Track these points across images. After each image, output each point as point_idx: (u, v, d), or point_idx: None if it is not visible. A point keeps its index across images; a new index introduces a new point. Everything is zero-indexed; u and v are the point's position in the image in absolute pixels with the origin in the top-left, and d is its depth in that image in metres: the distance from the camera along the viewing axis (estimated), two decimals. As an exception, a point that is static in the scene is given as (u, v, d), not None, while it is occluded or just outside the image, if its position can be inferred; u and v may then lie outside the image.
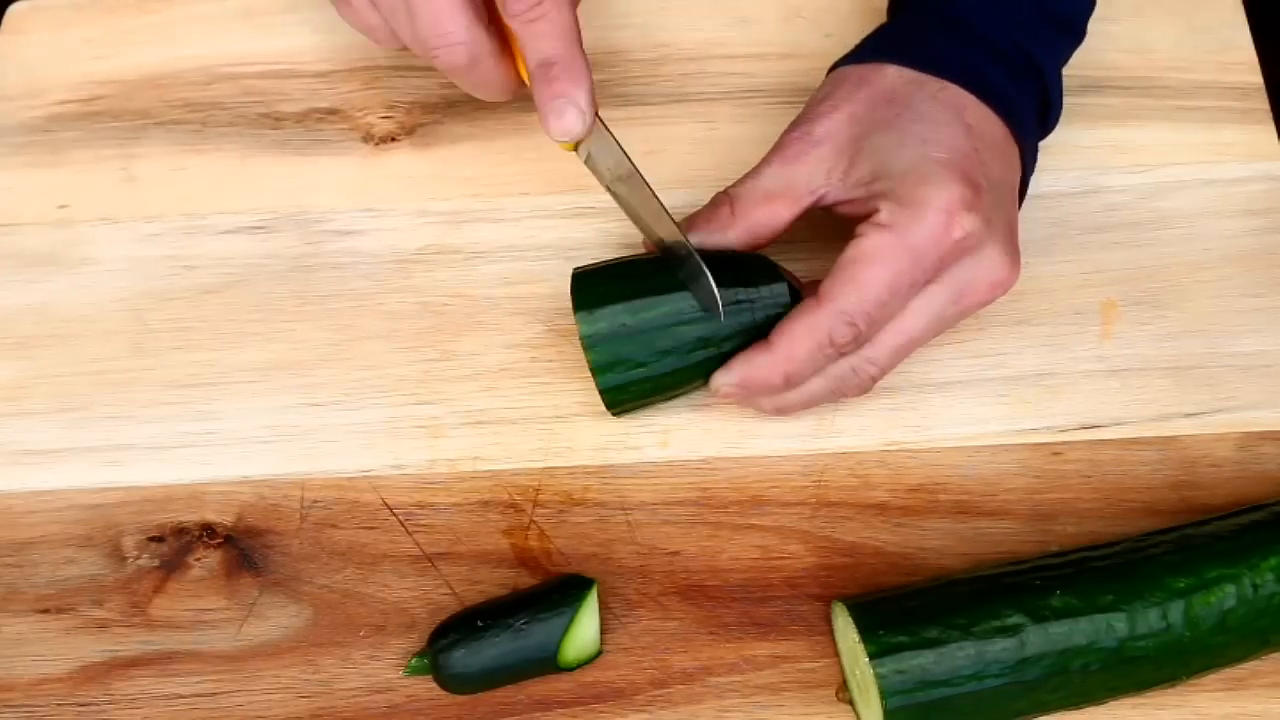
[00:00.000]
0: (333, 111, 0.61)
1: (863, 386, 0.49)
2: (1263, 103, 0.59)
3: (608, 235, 0.57)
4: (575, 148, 0.48)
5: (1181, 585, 0.44)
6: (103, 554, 0.51)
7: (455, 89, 0.60)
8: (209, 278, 0.57)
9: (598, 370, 0.48)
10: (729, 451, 0.52)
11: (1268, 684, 0.47)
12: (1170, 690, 0.46)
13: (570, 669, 0.48)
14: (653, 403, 0.51)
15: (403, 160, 0.60)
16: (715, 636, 0.49)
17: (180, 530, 0.52)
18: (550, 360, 0.54)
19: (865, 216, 0.47)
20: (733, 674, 0.48)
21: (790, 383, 0.48)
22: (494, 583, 0.50)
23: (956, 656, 0.43)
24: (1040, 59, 0.50)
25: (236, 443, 0.53)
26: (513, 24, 0.46)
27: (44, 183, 0.60)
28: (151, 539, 0.52)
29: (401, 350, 0.55)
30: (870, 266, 0.45)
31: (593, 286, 0.48)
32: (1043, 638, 0.43)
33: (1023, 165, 0.50)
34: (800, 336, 0.46)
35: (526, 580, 0.50)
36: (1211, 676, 0.47)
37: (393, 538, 0.51)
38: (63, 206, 0.59)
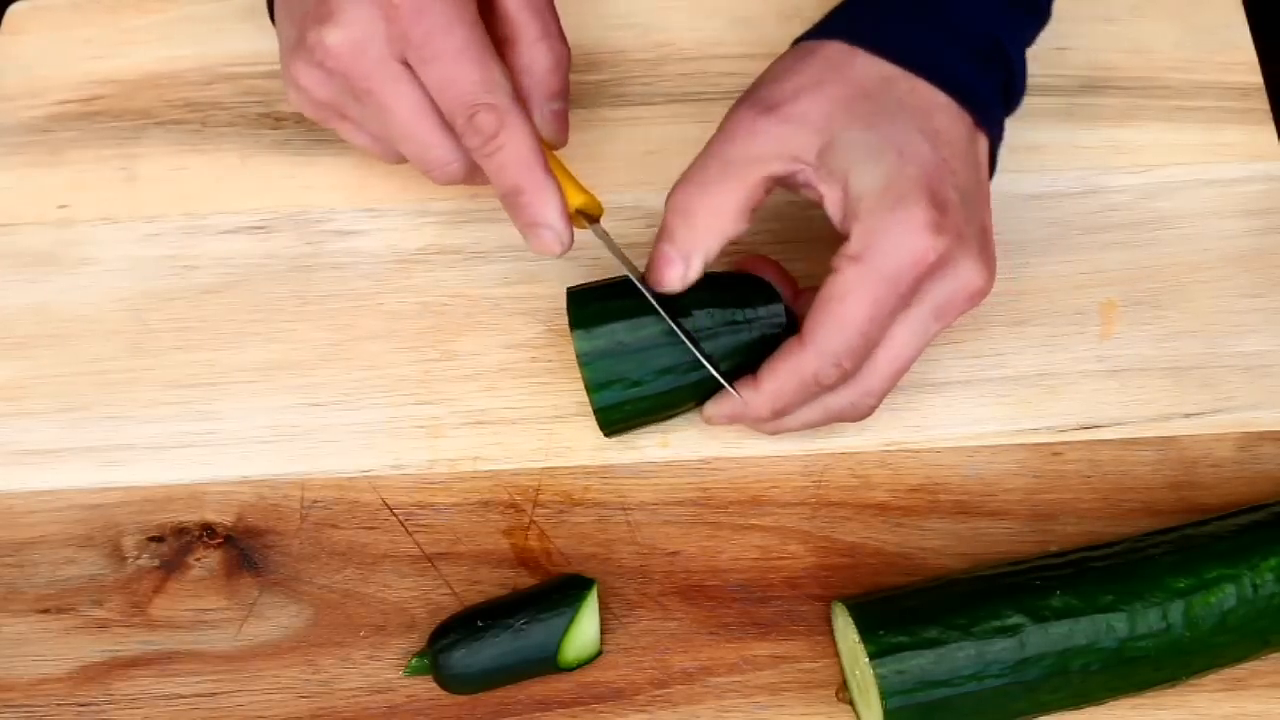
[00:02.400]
0: (333, 111, 0.61)
1: (863, 416, 0.49)
2: (1263, 103, 0.59)
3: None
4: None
5: (1181, 585, 0.44)
6: (103, 554, 0.51)
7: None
8: (209, 278, 0.57)
9: (593, 388, 0.48)
10: (729, 451, 0.52)
11: (1268, 684, 0.47)
12: (1170, 690, 0.46)
13: (570, 669, 0.48)
14: (645, 423, 0.51)
15: (403, 160, 0.60)
16: (715, 636, 0.49)
17: (180, 530, 0.52)
18: (550, 360, 0.54)
19: (835, 222, 0.46)
20: (733, 674, 0.48)
21: (778, 415, 0.48)
22: (494, 583, 0.50)
23: (956, 657, 0.43)
24: (1006, 42, 0.50)
25: (236, 443, 0.53)
26: (474, 158, 0.47)
27: (44, 183, 0.60)
28: (151, 539, 0.52)
29: (401, 350, 0.55)
30: (847, 302, 0.45)
31: (590, 303, 0.48)
32: (1043, 638, 0.43)
33: (991, 148, 0.50)
34: (786, 376, 0.46)
35: (526, 580, 0.50)
36: (1211, 676, 0.47)
37: (393, 538, 0.51)
38: (63, 206, 0.59)
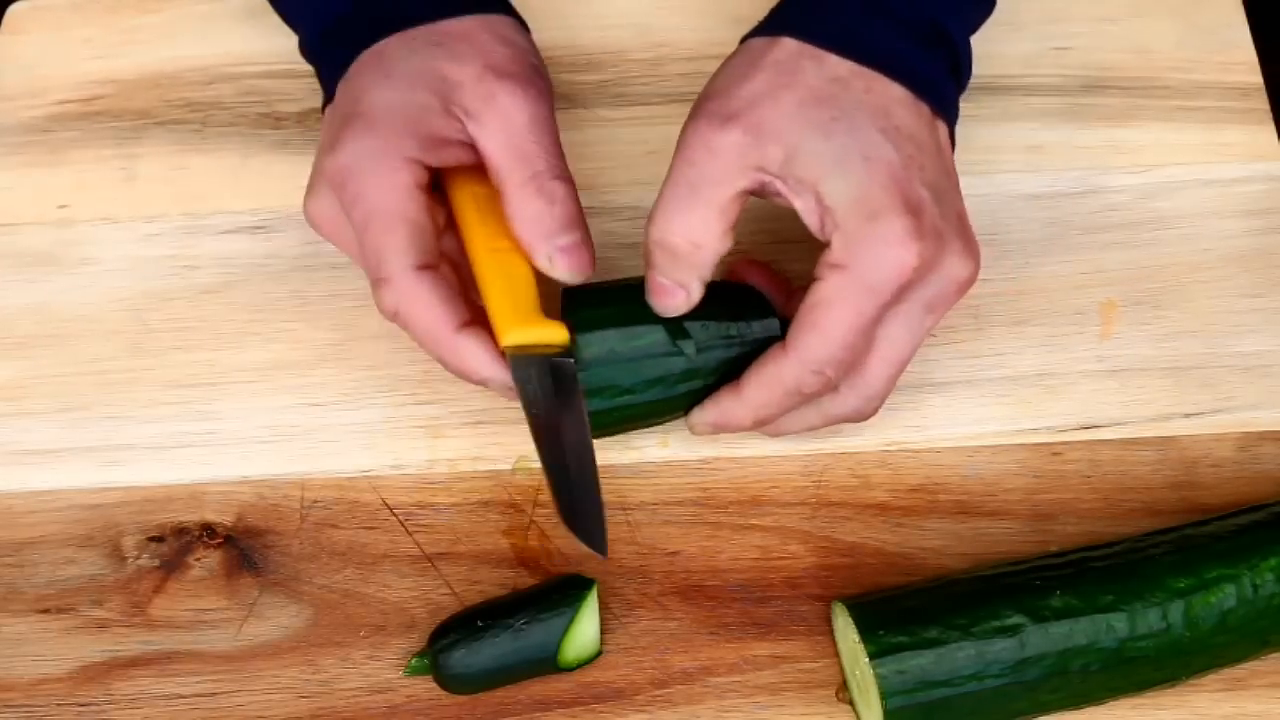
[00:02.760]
0: (333, 111, 0.61)
1: (865, 418, 0.49)
2: (1263, 103, 0.59)
3: (608, 235, 0.57)
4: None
5: (1181, 585, 0.44)
6: (103, 554, 0.51)
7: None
8: (209, 278, 0.57)
9: (584, 394, 0.48)
10: (729, 451, 0.52)
11: (1268, 684, 0.47)
12: (1170, 690, 0.46)
13: (570, 669, 0.48)
14: (633, 428, 0.51)
15: (403, 160, 0.60)
16: (715, 636, 0.49)
17: (180, 530, 0.52)
18: (550, 360, 0.54)
19: (813, 230, 0.46)
20: (733, 674, 0.48)
21: (761, 423, 0.48)
22: (494, 583, 0.50)
23: (956, 657, 0.43)
24: (949, 26, 0.49)
25: (236, 443, 0.53)
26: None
27: (44, 183, 0.60)
28: (151, 539, 0.52)
29: (401, 350, 0.55)
30: (831, 310, 0.45)
31: (585, 309, 0.48)
32: (1043, 638, 0.43)
33: (949, 130, 0.49)
34: (769, 385, 0.46)
35: (526, 580, 0.50)
36: (1211, 676, 0.47)
37: (393, 538, 0.51)
38: (63, 206, 0.59)
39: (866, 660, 0.43)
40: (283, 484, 0.52)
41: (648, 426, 0.51)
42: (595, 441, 0.51)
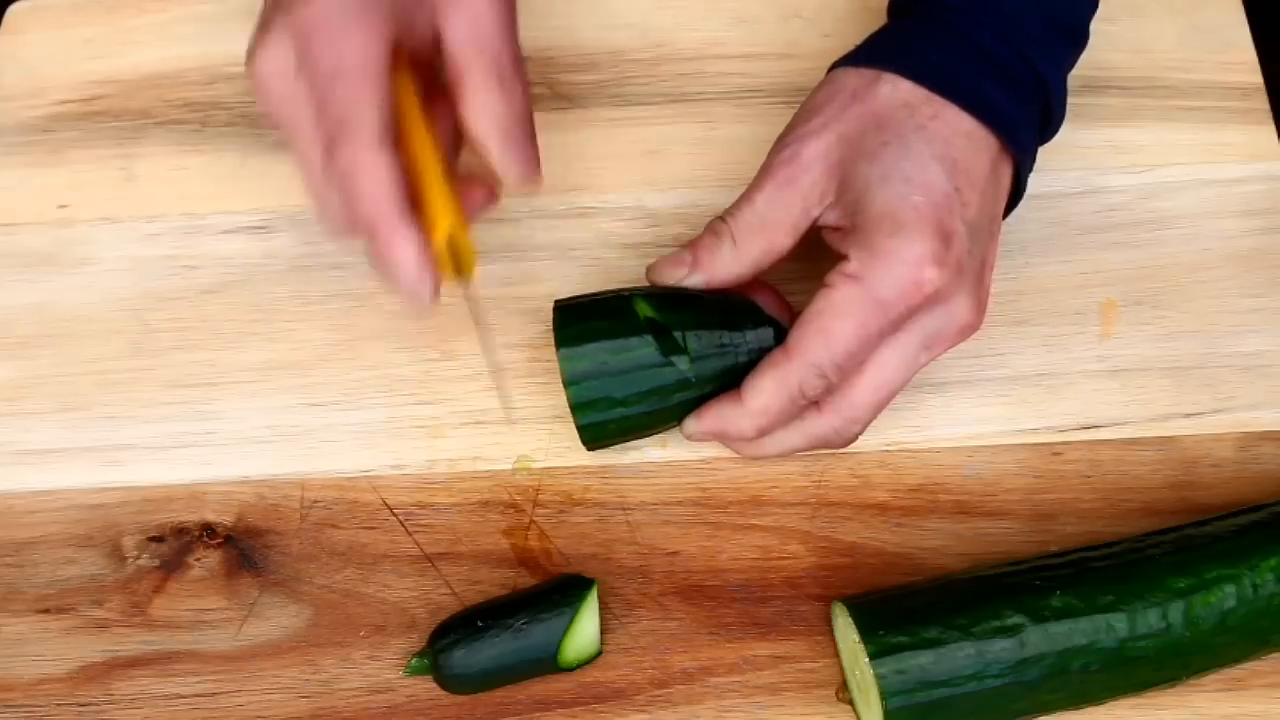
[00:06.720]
0: (333, 111, 0.61)
1: (846, 442, 0.49)
2: (1263, 103, 0.59)
3: (608, 235, 0.57)
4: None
5: (1181, 585, 0.44)
6: (103, 554, 0.51)
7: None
8: (209, 278, 0.57)
9: (577, 408, 0.48)
10: (729, 452, 0.52)
11: (1268, 684, 0.47)
12: (1170, 690, 0.46)
13: (570, 669, 0.48)
14: (629, 439, 0.51)
15: (403, 160, 0.60)
16: (715, 636, 0.49)
17: (180, 530, 0.52)
18: (550, 360, 0.54)
19: (839, 250, 0.47)
20: (733, 674, 0.48)
21: (763, 433, 0.48)
22: (494, 583, 0.50)
23: (956, 656, 0.43)
24: (1046, 72, 0.49)
25: (236, 443, 0.53)
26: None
27: (44, 183, 0.60)
28: (151, 539, 0.52)
29: (401, 350, 0.55)
30: (838, 318, 0.45)
31: (576, 322, 0.48)
32: (1043, 638, 0.43)
33: (1017, 176, 0.50)
34: (771, 391, 0.46)
35: (526, 580, 0.50)
36: (1211, 676, 0.47)
37: (393, 538, 0.51)
38: (63, 206, 0.59)
39: (866, 660, 0.43)
40: (283, 484, 0.52)
41: (646, 436, 0.51)
42: (594, 449, 0.51)
